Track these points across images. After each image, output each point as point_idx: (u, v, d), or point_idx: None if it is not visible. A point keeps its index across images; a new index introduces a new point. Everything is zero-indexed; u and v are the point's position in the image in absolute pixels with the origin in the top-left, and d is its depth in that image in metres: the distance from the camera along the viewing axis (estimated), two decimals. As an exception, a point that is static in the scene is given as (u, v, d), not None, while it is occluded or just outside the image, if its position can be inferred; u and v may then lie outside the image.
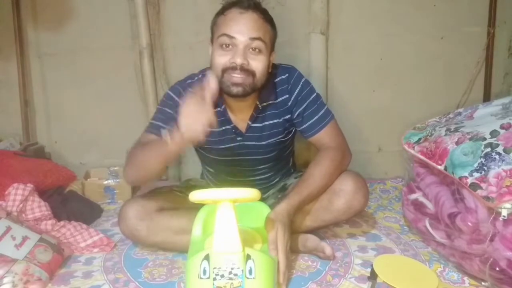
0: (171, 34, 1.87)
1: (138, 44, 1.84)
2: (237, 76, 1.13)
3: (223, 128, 1.28)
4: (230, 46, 1.14)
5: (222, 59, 1.14)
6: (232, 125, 1.28)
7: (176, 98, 1.23)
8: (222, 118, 1.26)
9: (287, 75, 1.28)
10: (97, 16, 1.87)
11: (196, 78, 1.29)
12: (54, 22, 1.90)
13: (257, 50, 1.14)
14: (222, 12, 1.17)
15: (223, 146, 1.30)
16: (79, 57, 1.92)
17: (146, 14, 1.81)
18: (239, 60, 1.12)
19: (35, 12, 1.90)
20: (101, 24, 1.88)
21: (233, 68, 1.13)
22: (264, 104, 1.27)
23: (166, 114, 1.23)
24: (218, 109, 1.24)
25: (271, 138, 1.31)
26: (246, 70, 1.13)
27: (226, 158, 1.34)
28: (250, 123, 1.28)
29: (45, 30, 1.91)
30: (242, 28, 1.12)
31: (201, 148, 1.35)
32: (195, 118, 0.96)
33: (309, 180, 1.20)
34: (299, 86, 1.27)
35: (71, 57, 1.92)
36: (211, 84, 0.99)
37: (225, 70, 1.14)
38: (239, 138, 1.30)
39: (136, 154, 1.17)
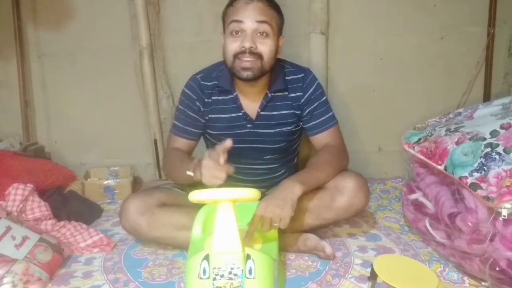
0: (171, 34, 1.87)
1: (138, 44, 1.84)
2: (247, 60, 1.20)
3: (234, 114, 1.32)
4: (240, 33, 1.21)
5: (233, 45, 1.21)
6: (243, 112, 1.32)
7: (192, 95, 1.33)
8: (234, 104, 1.32)
9: (302, 74, 1.35)
10: (97, 16, 1.87)
11: (214, 73, 1.34)
12: (54, 22, 1.89)
13: (264, 34, 1.21)
14: (230, 3, 1.25)
15: (233, 132, 1.33)
16: (79, 57, 1.92)
17: (146, 14, 1.81)
18: (247, 44, 1.19)
19: (35, 12, 1.90)
20: (101, 24, 1.87)
21: (243, 52, 1.20)
22: (274, 94, 1.32)
23: (186, 114, 1.34)
24: (230, 96, 1.31)
25: (280, 127, 1.34)
26: (254, 54, 1.20)
27: (235, 145, 1.35)
28: (259, 111, 1.32)
29: (45, 30, 1.91)
30: (249, 13, 1.20)
31: (211, 136, 1.37)
32: (213, 173, 1.05)
33: (313, 166, 1.25)
34: (313, 87, 1.34)
35: (71, 57, 1.92)
36: (227, 146, 1.07)
37: (236, 55, 1.21)
38: (249, 125, 1.33)
39: (168, 165, 1.34)
